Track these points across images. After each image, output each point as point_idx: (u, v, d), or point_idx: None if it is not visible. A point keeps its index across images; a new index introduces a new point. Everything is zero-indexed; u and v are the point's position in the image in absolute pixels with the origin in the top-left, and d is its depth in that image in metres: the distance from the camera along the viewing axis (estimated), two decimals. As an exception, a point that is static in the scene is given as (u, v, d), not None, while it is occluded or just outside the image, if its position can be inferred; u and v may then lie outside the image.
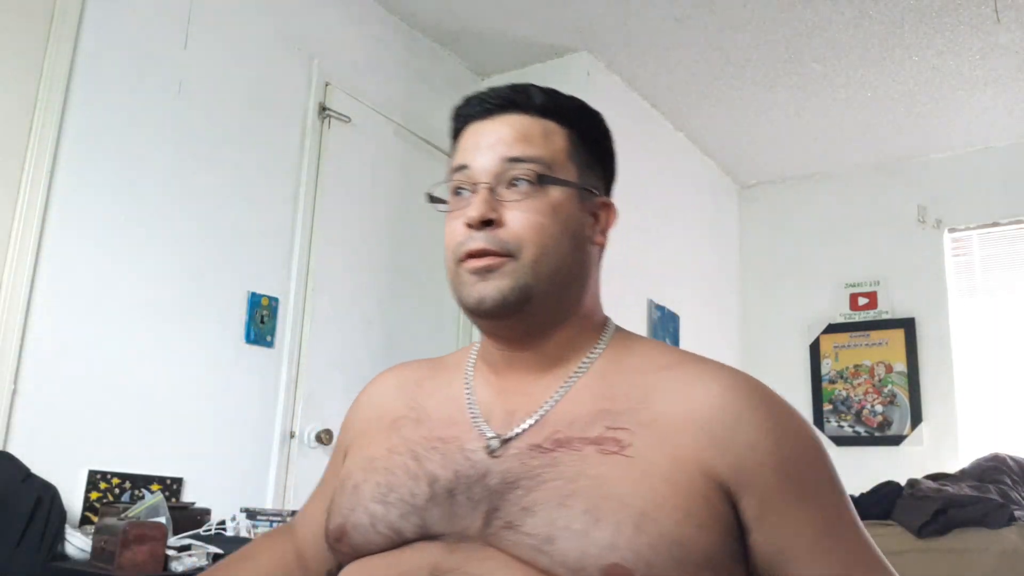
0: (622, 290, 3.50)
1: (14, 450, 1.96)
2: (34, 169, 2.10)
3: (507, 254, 0.83)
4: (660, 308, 3.72)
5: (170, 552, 1.83)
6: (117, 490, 2.17)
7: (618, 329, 0.94)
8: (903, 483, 2.65)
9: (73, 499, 2.08)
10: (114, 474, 2.17)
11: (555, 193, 0.86)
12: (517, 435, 0.82)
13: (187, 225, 2.45)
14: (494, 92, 0.90)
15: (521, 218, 0.84)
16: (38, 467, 1.94)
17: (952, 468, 3.19)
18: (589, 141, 0.93)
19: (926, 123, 3.89)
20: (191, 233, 2.45)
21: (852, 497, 2.71)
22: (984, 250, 4.09)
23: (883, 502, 2.56)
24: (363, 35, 3.13)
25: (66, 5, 2.21)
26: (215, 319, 2.49)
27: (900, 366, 4.10)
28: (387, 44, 3.23)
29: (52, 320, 2.10)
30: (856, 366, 4.21)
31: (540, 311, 0.85)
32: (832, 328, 4.30)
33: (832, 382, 4.26)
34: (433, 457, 0.84)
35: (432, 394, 0.94)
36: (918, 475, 2.77)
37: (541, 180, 0.85)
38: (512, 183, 0.86)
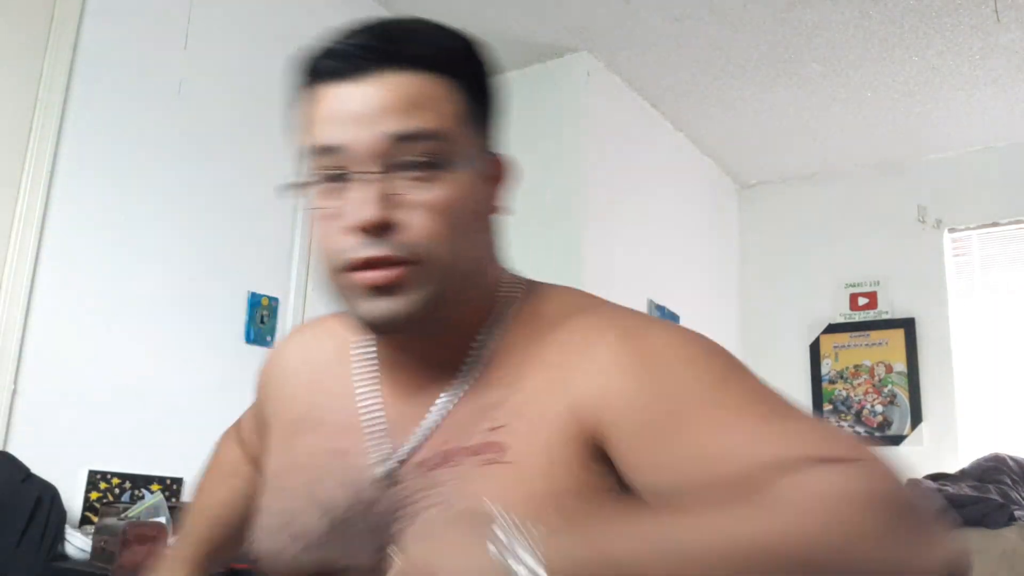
0: (622, 290, 3.49)
1: (14, 450, 1.96)
2: (34, 169, 2.10)
3: (413, 261, 0.69)
4: (660, 308, 3.72)
5: (170, 552, 1.83)
6: (117, 490, 2.17)
7: (520, 295, 0.79)
8: (903, 483, 2.65)
9: (73, 499, 2.08)
10: (114, 474, 2.18)
11: (457, 175, 0.70)
12: (409, 452, 0.74)
13: (187, 225, 2.45)
14: (361, 40, 0.71)
15: (425, 216, 0.68)
16: (38, 467, 1.94)
17: (952, 468, 3.19)
18: (481, 92, 0.76)
19: (926, 123, 3.89)
20: (191, 233, 2.45)
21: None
22: (984, 250, 4.09)
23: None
24: (363, 35, 3.13)
25: (66, 5, 2.21)
26: (215, 319, 2.49)
27: (900, 366, 4.10)
28: (387, 44, 3.22)
29: (52, 320, 2.11)
30: (856, 366, 4.21)
31: (451, 312, 0.73)
32: (832, 328, 4.30)
33: (832, 382, 4.26)
34: (330, 477, 0.76)
35: (330, 390, 0.83)
36: (918, 475, 2.77)
37: (440, 161, 0.69)
38: (402, 167, 0.68)
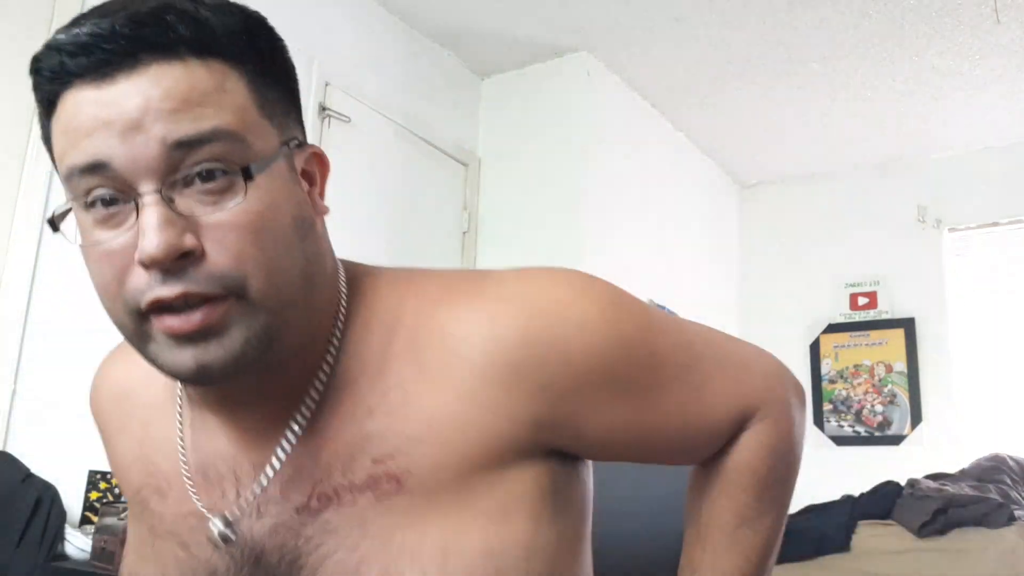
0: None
1: (14, 450, 1.96)
2: (34, 169, 2.10)
3: (222, 296, 0.55)
4: (660, 308, 3.72)
5: None
6: (117, 490, 2.17)
7: (357, 295, 0.67)
8: (903, 483, 2.65)
9: (73, 499, 2.08)
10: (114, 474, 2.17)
11: (263, 178, 0.57)
12: (261, 498, 0.63)
13: (187, 225, 2.45)
14: (104, 29, 0.54)
15: (231, 237, 0.55)
16: (38, 467, 1.94)
17: (952, 468, 3.19)
18: (271, 76, 0.61)
19: (926, 123, 3.89)
20: (191, 233, 2.45)
21: (851, 497, 2.71)
22: (984, 250, 4.09)
23: (883, 502, 2.57)
24: (363, 35, 3.13)
25: (66, 5, 2.21)
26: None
27: (900, 366, 4.10)
28: (387, 44, 3.23)
29: (52, 320, 2.10)
30: (856, 366, 4.21)
31: (285, 344, 0.60)
32: (832, 328, 4.30)
33: (832, 382, 4.26)
34: (200, 541, 0.64)
35: (160, 448, 0.69)
36: (918, 475, 2.77)
37: (238, 166, 0.55)
38: (189, 181, 0.55)
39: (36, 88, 0.60)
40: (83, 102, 0.55)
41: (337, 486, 0.61)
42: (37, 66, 0.60)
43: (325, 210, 0.67)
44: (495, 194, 3.54)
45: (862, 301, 4.26)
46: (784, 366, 0.77)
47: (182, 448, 0.67)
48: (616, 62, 3.50)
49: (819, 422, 4.23)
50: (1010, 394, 3.87)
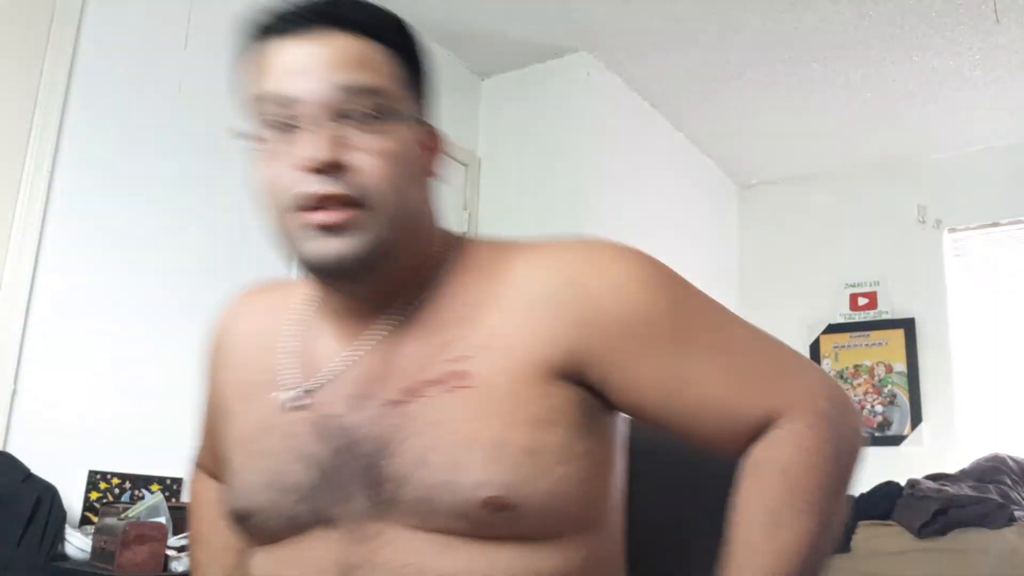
0: (622, 290, 3.49)
1: (14, 450, 1.96)
2: (34, 169, 2.10)
3: (361, 203, 0.73)
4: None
5: (170, 552, 1.83)
6: (117, 490, 2.18)
7: (452, 247, 0.83)
8: (903, 483, 2.65)
9: (73, 499, 2.08)
10: (114, 474, 2.18)
11: (398, 130, 0.76)
12: (332, 376, 0.79)
13: (187, 225, 2.45)
14: (308, 4, 0.76)
15: (372, 161, 0.73)
16: (38, 467, 1.94)
17: (952, 468, 3.19)
18: (414, 65, 0.82)
19: (926, 123, 3.89)
20: (191, 233, 2.45)
21: (851, 497, 2.72)
22: (984, 250, 4.09)
23: (883, 502, 2.57)
24: (363, 35, 3.13)
25: (66, 5, 2.21)
26: (215, 319, 2.49)
27: (900, 366, 4.10)
28: (387, 44, 3.22)
29: (52, 320, 2.11)
30: (856, 366, 4.21)
31: (394, 264, 0.77)
32: (832, 328, 4.30)
33: (832, 382, 4.25)
34: (305, 430, 0.79)
35: (285, 349, 0.86)
36: (918, 475, 2.77)
37: (384, 114, 0.74)
38: (348, 117, 0.73)
39: (249, 37, 0.79)
40: (282, 51, 0.75)
41: (418, 381, 0.76)
42: (251, 22, 0.79)
43: (437, 174, 0.83)
44: (495, 194, 3.54)
45: (862, 301, 4.26)
46: (835, 385, 0.79)
47: (314, 351, 0.83)
48: (616, 62, 3.50)
49: (819, 422, 4.22)
50: (1010, 394, 3.87)
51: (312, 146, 0.72)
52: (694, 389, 0.76)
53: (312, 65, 0.74)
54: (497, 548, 0.73)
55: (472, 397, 0.74)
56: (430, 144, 0.82)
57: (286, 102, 0.74)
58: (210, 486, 1.03)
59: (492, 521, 0.71)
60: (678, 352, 0.76)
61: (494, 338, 0.76)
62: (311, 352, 0.83)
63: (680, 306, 0.78)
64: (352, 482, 0.76)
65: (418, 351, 0.77)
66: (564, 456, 0.74)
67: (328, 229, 0.72)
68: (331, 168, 0.71)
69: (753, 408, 0.75)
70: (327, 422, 0.78)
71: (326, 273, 0.76)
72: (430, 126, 0.83)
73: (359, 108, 0.74)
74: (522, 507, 0.72)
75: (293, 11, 0.76)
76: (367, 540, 0.75)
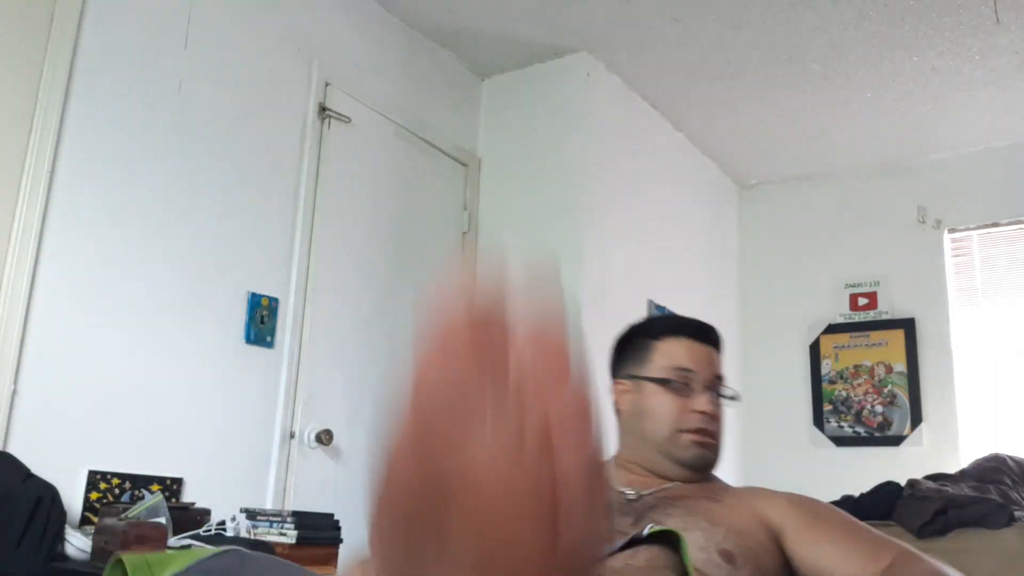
0: (622, 290, 3.50)
1: (14, 450, 1.96)
2: (34, 169, 2.10)
3: (716, 437, 1.34)
4: (660, 308, 3.72)
5: (170, 552, 1.83)
6: (117, 490, 2.18)
7: None
8: (903, 483, 2.65)
9: (73, 499, 2.08)
10: (114, 474, 2.18)
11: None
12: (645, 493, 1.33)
13: (187, 225, 2.45)
14: (710, 328, 1.40)
15: (720, 413, 1.35)
16: (38, 467, 1.94)
17: (952, 468, 3.18)
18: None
19: (926, 123, 3.89)
20: (191, 233, 2.45)
21: (851, 497, 2.72)
22: (984, 250, 4.09)
23: (883, 503, 2.56)
24: (363, 35, 3.13)
25: (66, 5, 2.21)
26: (215, 319, 2.49)
27: (900, 366, 4.10)
28: (387, 44, 3.23)
29: (52, 320, 2.11)
30: (856, 366, 4.21)
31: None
32: (832, 328, 4.30)
33: (832, 383, 4.26)
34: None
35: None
36: (918, 475, 2.77)
37: (723, 391, 1.37)
38: (714, 387, 1.36)
39: (666, 327, 1.40)
40: (691, 345, 1.36)
41: (685, 494, 1.28)
42: (673, 323, 1.42)
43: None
44: (495, 194, 3.54)
45: (862, 302, 4.26)
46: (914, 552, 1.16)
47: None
48: (616, 62, 3.50)
49: (819, 423, 4.23)
50: (1010, 394, 3.87)
51: (706, 403, 1.32)
52: (826, 536, 1.24)
53: (708, 360, 1.36)
54: None
55: (716, 507, 1.27)
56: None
57: (689, 373, 1.34)
58: None
59: None
60: (849, 525, 1.27)
61: (734, 496, 1.30)
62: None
63: (841, 513, 1.30)
64: (634, 525, 1.20)
65: (692, 491, 1.31)
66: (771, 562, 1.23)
67: (703, 445, 1.32)
68: (710, 417, 1.32)
69: (869, 562, 1.16)
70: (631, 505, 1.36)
71: (695, 467, 1.31)
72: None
73: (721, 389, 1.36)
74: None
75: (704, 329, 1.38)
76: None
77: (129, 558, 1.04)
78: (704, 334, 1.37)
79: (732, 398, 1.37)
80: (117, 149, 2.30)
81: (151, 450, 2.28)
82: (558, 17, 3.21)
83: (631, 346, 1.41)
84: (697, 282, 4.18)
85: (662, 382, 1.33)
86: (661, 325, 1.42)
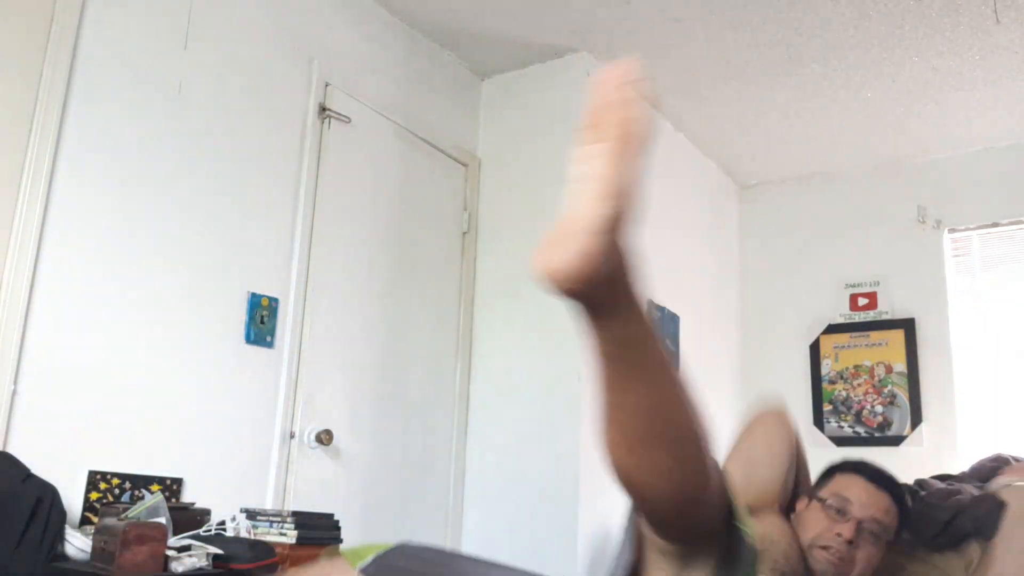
0: (622, 290, 3.49)
1: (14, 450, 1.96)
2: (34, 169, 2.10)
3: (849, 560, 1.59)
4: (660, 309, 3.72)
5: (170, 553, 1.83)
6: (117, 490, 2.17)
7: None
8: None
9: (73, 499, 2.08)
10: (114, 474, 2.17)
11: (877, 549, 1.62)
12: None
13: (187, 225, 2.44)
14: (889, 474, 1.63)
15: (864, 558, 1.57)
16: (38, 467, 1.94)
17: (952, 468, 3.18)
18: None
19: (926, 123, 3.89)
20: (191, 233, 2.45)
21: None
22: (984, 250, 4.09)
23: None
24: (363, 35, 3.13)
25: (66, 6, 2.21)
26: (215, 319, 2.49)
27: (900, 366, 4.10)
28: (387, 45, 3.23)
29: (52, 320, 2.10)
30: (856, 366, 4.21)
31: None
32: (832, 328, 4.30)
33: (832, 383, 4.26)
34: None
35: None
36: (918, 475, 2.76)
37: (879, 543, 1.59)
38: (867, 531, 1.57)
39: (845, 464, 1.74)
40: (861, 483, 1.64)
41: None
42: (853, 463, 1.74)
43: None
44: (495, 194, 3.54)
45: (862, 302, 4.26)
46: None
47: None
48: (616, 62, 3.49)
49: (819, 423, 4.23)
50: (1010, 394, 3.87)
51: (848, 531, 1.56)
52: None
53: (872, 503, 1.58)
54: None
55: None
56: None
57: (848, 508, 1.59)
58: None
59: None
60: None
61: None
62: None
63: None
64: None
65: None
66: None
67: (834, 564, 1.57)
68: (849, 544, 1.57)
69: None
70: None
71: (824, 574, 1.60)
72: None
73: (874, 530, 1.58)
74: None
75: (880, 473, 1.61)
76: None
77: (343, 550, 1.23)
78: (882, 479, 1.64)
79: (875, 542, 1.61)
80: (117, 149, 2.29)
81: (151, 450, 2.28)
82: (558, 17, 3.20)
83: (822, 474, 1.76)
84: (697, 282, 4.17)
85: (821, 501, 1.65)
86: (848, 464, 1.72)
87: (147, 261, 2.33)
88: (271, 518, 2.19)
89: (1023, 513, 1.70)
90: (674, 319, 3.83)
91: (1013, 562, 1.72)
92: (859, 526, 1.57)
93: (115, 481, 2.17)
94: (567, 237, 0.77)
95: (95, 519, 2.02)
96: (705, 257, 4.31)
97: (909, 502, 1.65)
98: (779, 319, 4.44)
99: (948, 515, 2.36)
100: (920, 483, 2.59)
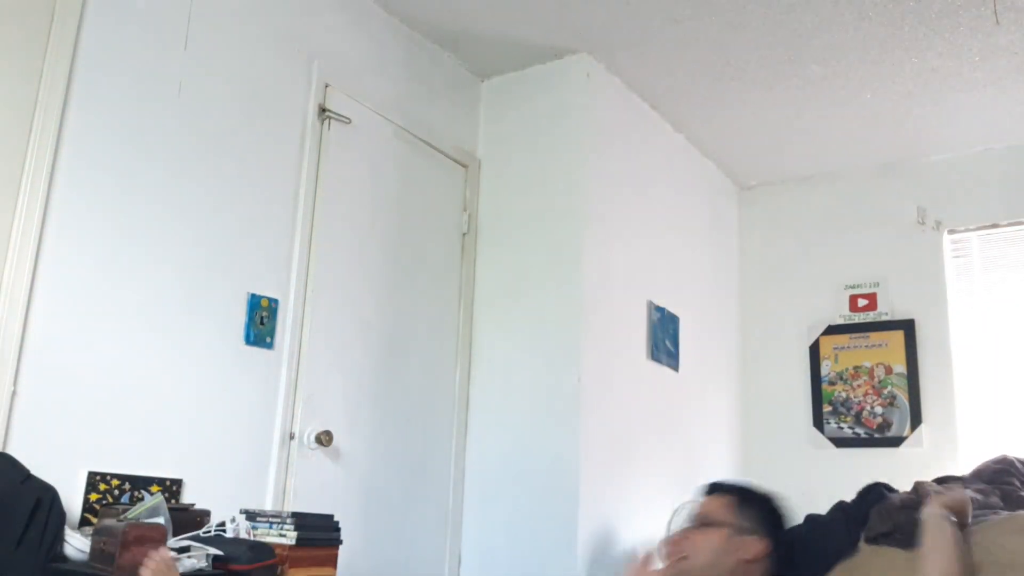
0: (622, 291, 3.49)
1: (14, 451, 1.95)
2: (34, 170, 2.10)
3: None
4: (660, 310, 3.72)
5: (170, 553, 1.82)
6: (117, 491, 2.17)
7: None
8: (899, 486, 2.63)
9: (73, 500, 2.08)
10: (114, 475, 2.17)
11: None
12: None
13: (187, 226, 2.44)
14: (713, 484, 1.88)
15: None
16: (38, 468, 1.93)
17: (952, 470, 3.18)
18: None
19: (926, 124, 3.89)
20: (191, 234, 2.45)
21: (843, 504, 2.69)
22: (984, 251, 4.09)
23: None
24: (363, 36, 3.13)
25: (66, 5, 2.21)
26: (215, 320, 2.49)
27: (900, 368, 4.10)
28: (387, 45, 3.23)
29: (52, 320, 2.10)
30: (856, 367, 4.21)
31: None
32: (832, 329, 4.30)
33: (832, 384, 4.26)
34: None
35: None
36: (918, 477, 2.76)
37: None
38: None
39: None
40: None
41: None
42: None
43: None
44: (495, 195, 3.54)
45: (862, 303, 4.26)
46: None
47: None
48: (616, 64, 3.50)
49: (818, 424, 4.23)
50: (1010, 395, 3.87)
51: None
52: None
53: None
54: None
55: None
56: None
57: None
58: None
59: None
60: None
61: None
62: None
63: None
64: None
65: None
66: None
67: None
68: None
69: None
70: None
71: None
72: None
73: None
74: None
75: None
76: None
77: None
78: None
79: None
80: (117, 150, 2.29)
81: (151, 451, 2.28)
82: (558, 18, 3.21)
83: None
84: (697, 283, 4.17)
85: None
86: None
87: (147, 262, 2.33)
88: (271, 519, 2.19)
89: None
90: (674, 319, 3.83)
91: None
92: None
93: (115, 482, 2.17)
94: None
95: (95, 520, 2.02)
96: (705, 258, 4.31)
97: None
98: (779, 320, 4.44)
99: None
100: (917, 487, 2.59)
